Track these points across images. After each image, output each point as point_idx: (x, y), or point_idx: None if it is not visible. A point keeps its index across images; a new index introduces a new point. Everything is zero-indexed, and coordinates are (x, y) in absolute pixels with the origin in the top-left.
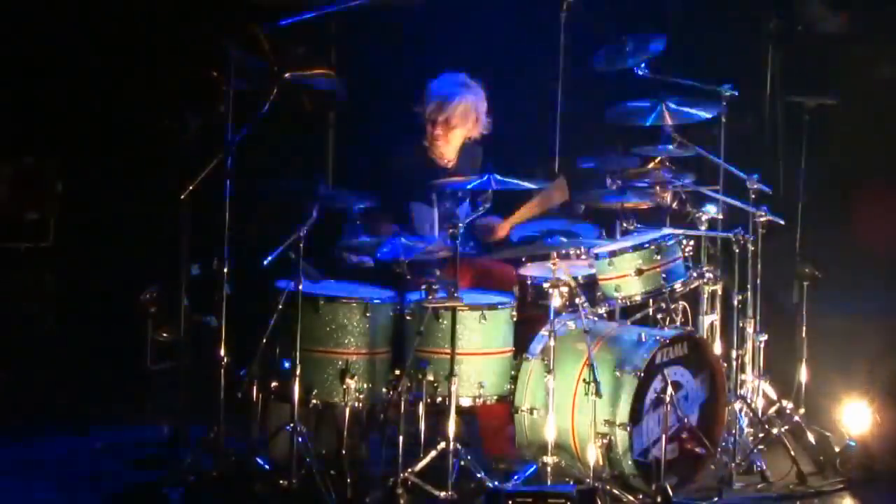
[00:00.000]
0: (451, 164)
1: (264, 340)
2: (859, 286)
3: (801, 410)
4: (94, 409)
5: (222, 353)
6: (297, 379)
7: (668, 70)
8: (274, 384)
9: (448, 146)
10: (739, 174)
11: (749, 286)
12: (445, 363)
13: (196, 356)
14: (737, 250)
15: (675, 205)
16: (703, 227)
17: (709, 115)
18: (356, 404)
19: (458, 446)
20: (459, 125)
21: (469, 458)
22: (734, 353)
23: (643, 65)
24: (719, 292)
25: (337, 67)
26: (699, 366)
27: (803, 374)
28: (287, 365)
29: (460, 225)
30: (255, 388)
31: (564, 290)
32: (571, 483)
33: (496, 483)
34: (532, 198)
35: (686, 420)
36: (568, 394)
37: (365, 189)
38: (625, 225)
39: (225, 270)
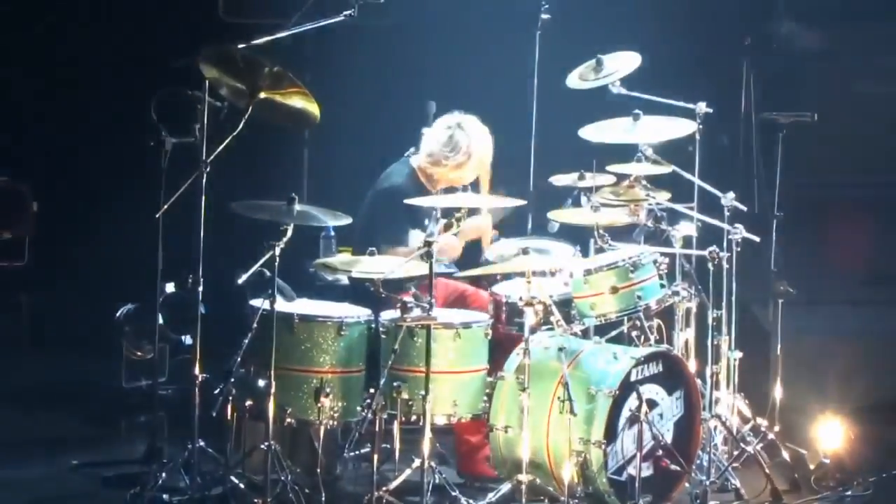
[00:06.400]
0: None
1: (239, 359)
2: (834, 303)
3: (776, 428)
4: (68, 428)
5: (197, 371)
6: (272, 397)
7: (643, 88)
8: (249, 403)
9: (442, 184)
10: (715, 191)
11: (724, 303)
12: (420, 381)
13: (171, 375)
14: (711, 268)
15: (650, 222)
16: (677, 245)
17: (684, 133)
18: (331, 423)
19: (433, 464)
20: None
21: (444, 476)
22: (709, 371)
23: (617, 83)
24: (694, 310)
25: (311, 87)
26: (674, 383)
27: (778, 392)
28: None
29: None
30: (230, 406)
31: (539, 308)
32: (546, 501)
33: (471, 501)
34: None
35: (661, 438)
36: (543, 412)
37: (341, 207)
38: (599, 243)
39: (200, 289)
